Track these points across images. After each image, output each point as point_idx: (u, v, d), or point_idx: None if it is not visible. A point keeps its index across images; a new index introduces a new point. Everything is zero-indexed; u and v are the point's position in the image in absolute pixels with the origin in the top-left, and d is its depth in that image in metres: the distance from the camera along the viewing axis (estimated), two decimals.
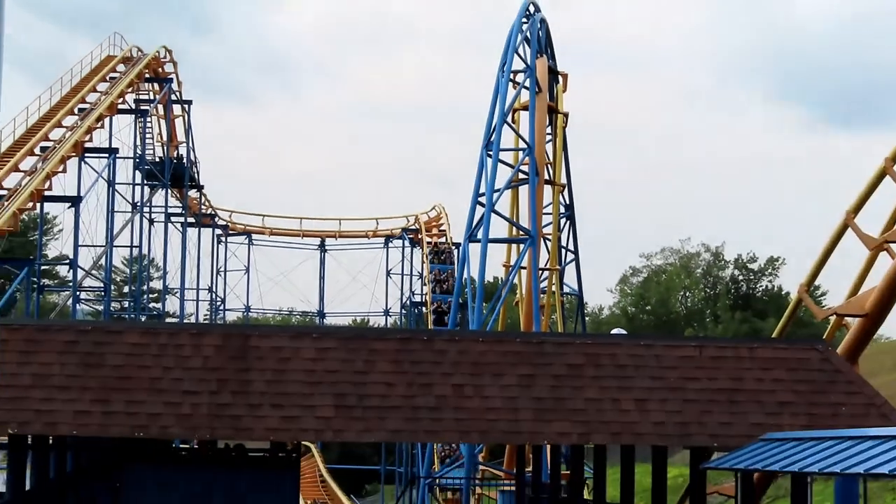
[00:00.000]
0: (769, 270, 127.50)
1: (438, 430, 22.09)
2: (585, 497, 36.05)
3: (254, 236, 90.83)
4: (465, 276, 56.74)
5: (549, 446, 31.40)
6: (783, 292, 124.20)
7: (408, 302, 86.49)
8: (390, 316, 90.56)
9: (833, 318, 35.28)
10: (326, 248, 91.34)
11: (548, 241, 59.25)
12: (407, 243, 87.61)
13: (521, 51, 56.24)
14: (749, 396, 22.22)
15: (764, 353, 23.29)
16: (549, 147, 59.45)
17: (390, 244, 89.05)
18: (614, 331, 52.97)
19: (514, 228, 57.34)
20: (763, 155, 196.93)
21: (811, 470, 18.00)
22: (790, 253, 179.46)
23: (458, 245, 75.59)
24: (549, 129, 59.24)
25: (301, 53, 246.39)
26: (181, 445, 33.82)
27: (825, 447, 18.22)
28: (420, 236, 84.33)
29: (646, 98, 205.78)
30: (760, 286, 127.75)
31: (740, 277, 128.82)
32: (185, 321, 77.42)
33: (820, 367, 22.66)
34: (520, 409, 21.49)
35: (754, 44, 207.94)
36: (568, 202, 61.91)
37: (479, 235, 52.48)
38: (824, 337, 35.00)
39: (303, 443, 52.02)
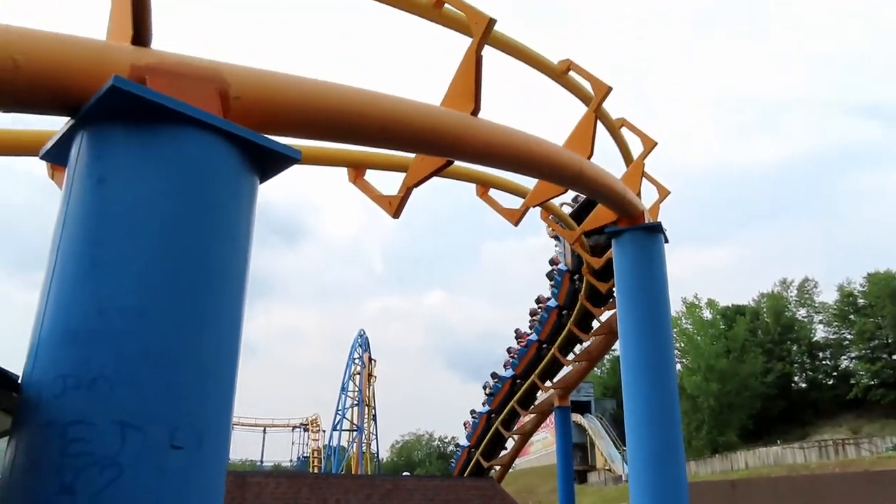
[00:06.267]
0: None
1: None
2: None
3: None
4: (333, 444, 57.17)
5: None
6: None
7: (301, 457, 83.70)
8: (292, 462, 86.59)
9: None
10: (266, 431, 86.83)
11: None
12: (302, 430, 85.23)
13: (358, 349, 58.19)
14: None
15: (467, 485, 22.36)
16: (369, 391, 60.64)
17: (295, 431, 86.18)
18: (404, 473, 54.34)
19: (352, 424, 58.13)
20: None
21: None
22: None
23: (324, 431, 75.28)
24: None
25: None
26: None
27: None
28: (308, 427, 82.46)
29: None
30: None
31: None
32: None
33: (493, 492, 22.60)
34: None
35: None
36: (374, 414, 62.63)
37: (338, 428, 53.68)
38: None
39: None
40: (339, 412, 56.30)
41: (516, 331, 27.42)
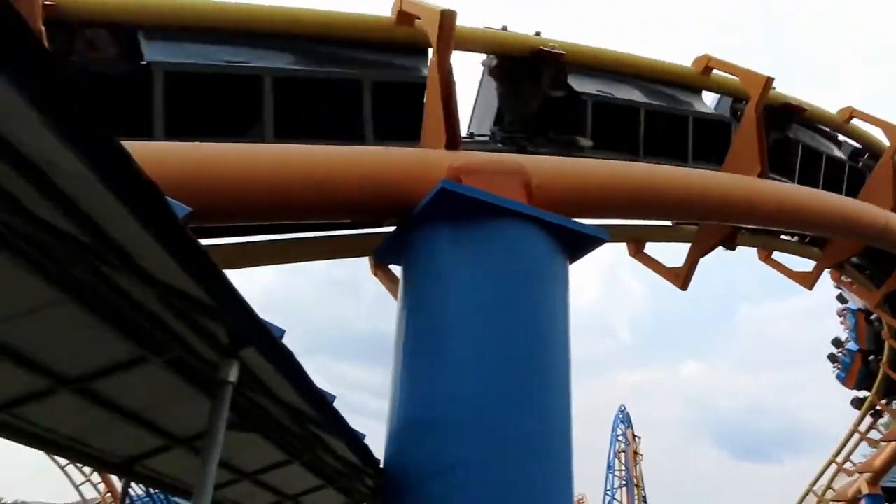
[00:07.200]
0: None
1: None
2: None
3: None
4: None
5: None
6: None
7: None
8: None
9: None
10: None
11: None
12: None
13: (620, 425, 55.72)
14: None
15: None
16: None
17: None
18: None
19: None
20: None
21: None
22: None
23: None
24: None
25: None
26: None
27: None
28: None
29: None
30: None
31: None
32: None
33: None
34: None
35: None
36: (644, 495, 59.00)
37: None
38: None
39: None
40: (608, 493, 54.14)
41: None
